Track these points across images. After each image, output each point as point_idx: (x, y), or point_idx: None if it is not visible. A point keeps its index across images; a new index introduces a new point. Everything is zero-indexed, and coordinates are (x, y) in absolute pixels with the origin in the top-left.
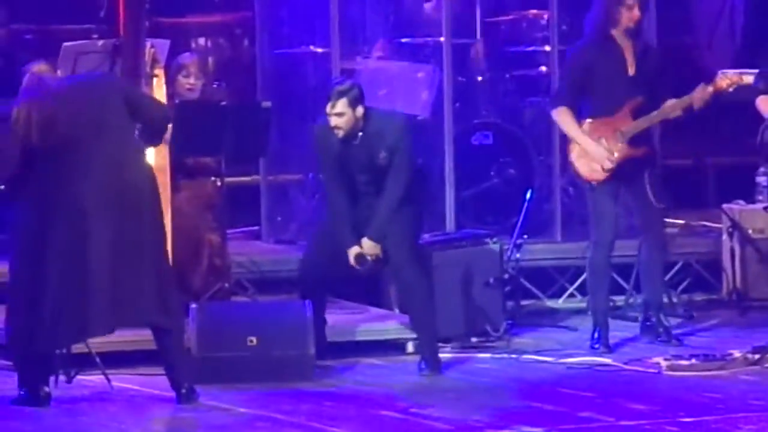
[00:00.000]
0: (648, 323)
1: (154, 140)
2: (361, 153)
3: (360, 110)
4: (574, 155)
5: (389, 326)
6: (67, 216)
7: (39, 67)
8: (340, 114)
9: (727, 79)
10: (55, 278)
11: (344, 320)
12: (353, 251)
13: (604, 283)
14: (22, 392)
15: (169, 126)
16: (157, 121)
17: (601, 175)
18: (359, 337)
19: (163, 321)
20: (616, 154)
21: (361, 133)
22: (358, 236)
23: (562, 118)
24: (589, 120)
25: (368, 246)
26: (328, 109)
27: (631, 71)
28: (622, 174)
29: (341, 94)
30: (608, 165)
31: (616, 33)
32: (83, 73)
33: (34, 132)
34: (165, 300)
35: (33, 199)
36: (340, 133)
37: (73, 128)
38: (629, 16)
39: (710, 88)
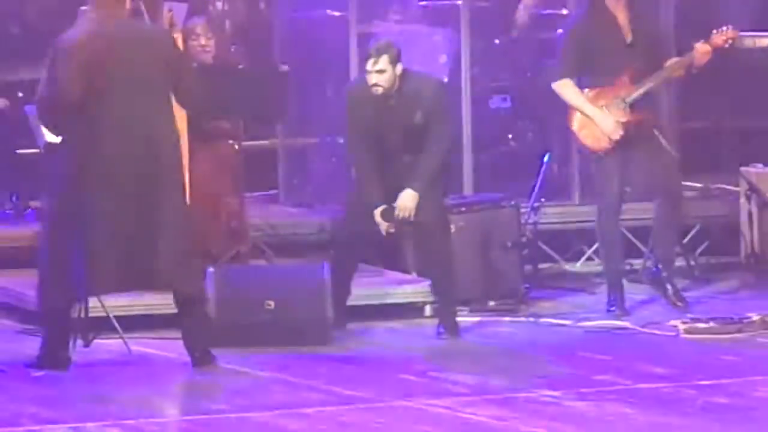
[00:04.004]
0: (655, 269)
1: (188, 107)
2: (396, 114)
3: (399, 68)
4: (577, 125)
5: (407, 289)
6: (98, 177)
7: (98, 9)
8: (381, 71)
9: (723, 35)
10: (82, 234)
11: (362, 284)
12: (378, 211)
13: (615, 248)
14: (41, 354)
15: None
16: (194, 93)
17: (607, 144)
18: (377, 301)
19: (181, 285)
20: (620, 123)
21: (396, 94)
22: (386, 198)
23: (566, 90)
24: (589, 90)
25: (409, 197)
26: (369, 66)
27: (628, 38)
28: (630, 138)
29: (382, 51)
30: (616, 136)
31: (609, 1)
32: (139, 22)
33: (77, 71)
34: (184, 264)
35: (68, 160)
36: (380, 91)
37: (115, 77)
38: None
39: (708, 46)
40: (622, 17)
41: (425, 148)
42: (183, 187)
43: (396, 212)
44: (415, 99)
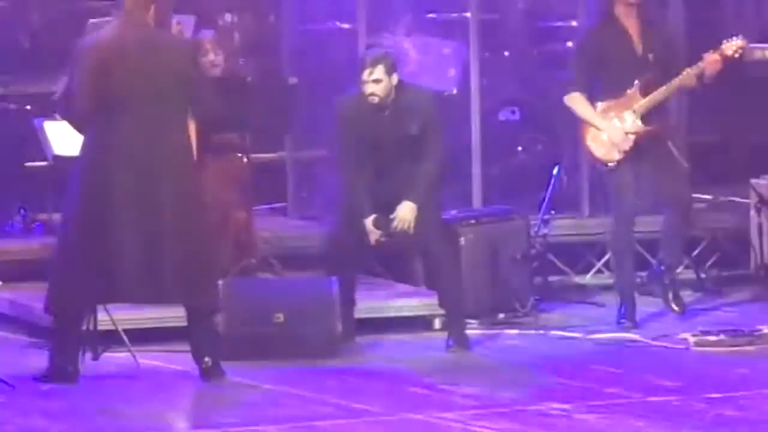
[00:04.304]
0: (657, 270)
1: (201, 120)
2: (391, 125)
3: (395, 78)
4: (589, 138)
5: (416, 302)
6: (108, 185)
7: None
8: (377, 80)
9: (733, 45)
10: (93, 244)
11: (371, 297)
12: (370, 220)
13: (627, 259)
14: (50, 367)
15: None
16: (207, 106)
17: (618, 156)
18: (386, 314)
19: (191, 297)
20: (630, 135)
21: (391, 105)
22: (377, 208)
23: (576, 103)
24: (601, 102)
25: (407, 209)
26: (365, 76)
27: (639, 49)
28: (641, 149)
29: (378, 60)
30: (625, 147)
31: (619, 11)
32: (161, 32)
33: (88, 75)
34: (195, 276)
35: (81, 167)
36: (376, 100)
37: (127, 84)
38: None
39: (717, 55)
40: (633, 28)
41: (421, 159)
42: (194, 198)
43: (394, 224)
44: (410, 111)
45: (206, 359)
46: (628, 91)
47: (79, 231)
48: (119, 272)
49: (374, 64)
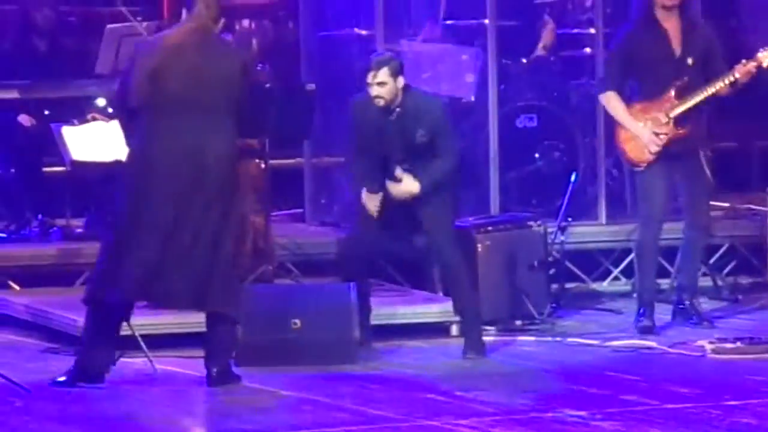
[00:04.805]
0: (681, 306)
1: (248, 134)
2: (397, 129)
3: (401, 81)
4: (622, 138)
5: (433, 309)
6: (148, 185)
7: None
8: (382, 83)
9: None
10: (134, 241)
11: (388, 303)
12: (370, 192)
13: (650, 263)
14: (75, 366)
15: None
16: (251, 119)
17: (649, 158)
18: (403, 320)
19: (214, 303)
20: (662, 136)
21: (398, 109)
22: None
23: (610, 102)
24: (635, 102)
25: (410, 181)
26: (369, 78)
27: (677, 52)
28: (674, 153)
29: (383, 64)
30: (654, 148)
31: (659, 13)
32: (219, 39)
33: (138, 76)
34: (224, 285)
35: (126, 167)
36: (381, 103)
37: (175, 88)
38: None
39: (752, 64)
40: (673, 31)
41: (433, 160)
42: (231, 206)
43: (394, 190)
44: (416, 116)
45: (215, 369)
46: (664, 94)
47: (122, 230)
48: (155, 274)
49: (379, 67)
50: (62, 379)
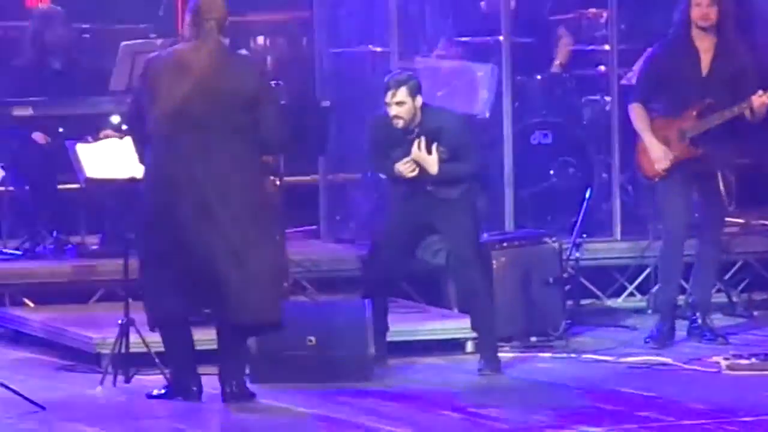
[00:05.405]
0: (694, 325)
1: (268, 150)
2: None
3: (419, 100)
4: (639, 151)
5: (448, 325)
6: (164, 203)
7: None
8: (400, 103)
9: None
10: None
11: (404, 319)
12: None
13: (671, 277)
14: (171, 385)
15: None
16: (271, 136)
17: (658, 173)
18: (419, 337)
19: (257, 313)
20: (671, 155)
21: (417, 129)
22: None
23: (634, 113)
24: (657, 117)
25: (433, 159)
26: (388, 98)
27: (705, 72)
28: (691, 172)
29: (401, 83)
30: (662, 165)
31: (695, 32)
32: (234, 54)
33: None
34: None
35: (153, 183)
36: (400, 123)
37: (189, 102)
38: (700, 14)
39: (766, 98)
40: (705, 51)
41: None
42: (257, 217)
43: (415, 154)
44: (436, 134)
45: (230, 385)
46: (685, 112)
47: (152, 248)
48: (188, 289)
49: (398, 86)
50: (161, 392)
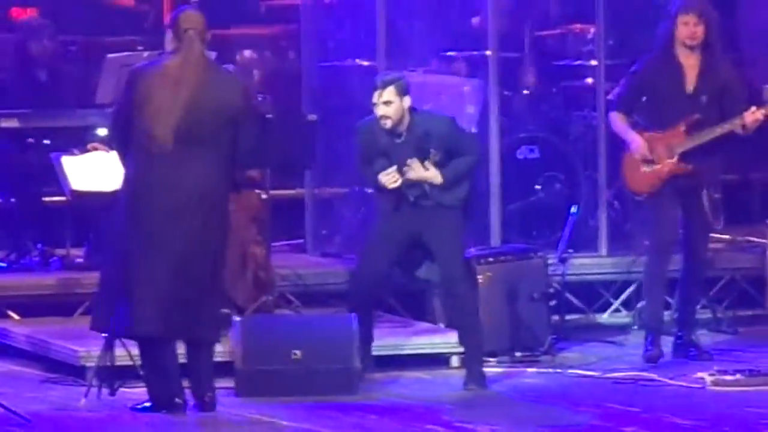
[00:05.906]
0: (679, 341)
1: (249, 165)
2: (407, 153)
3: (407, 101)
4: (625, 167)
5: (434, 340)
6: (139, 215)
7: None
8: (388, 102)
9: None
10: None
11: (389, 334)
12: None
13: (656, 292)
14: (154, 399)
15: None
16: (250, 153)
17: (646, 189)
18: (404, 351)
19: (199, 329)
20: (656, 166)
21: (405, 133)
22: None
23: (614, 119)
24: (642, 132)
25: (433, 172)
26: (375, 98)
27: (690, 88)
28: (679, 188)
29: (388, 82)
30: (638, 154)
31: (679, 50)
32: (217, 68)
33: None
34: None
35: (129, 195)
36: (388, 123)
37: (180, 122)
38: (687, 33)
39: (761, 112)
40: (690, 68)
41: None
42: (220, 235)
43: (413, 174)
44: (426, 138)
45: (207, 395)
46: (672, 129)
47: (119, 255)
48: (145, 306)
49: (384, 86)
50: (146, 405)
